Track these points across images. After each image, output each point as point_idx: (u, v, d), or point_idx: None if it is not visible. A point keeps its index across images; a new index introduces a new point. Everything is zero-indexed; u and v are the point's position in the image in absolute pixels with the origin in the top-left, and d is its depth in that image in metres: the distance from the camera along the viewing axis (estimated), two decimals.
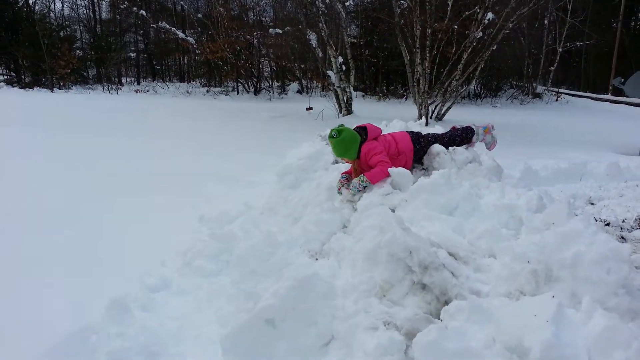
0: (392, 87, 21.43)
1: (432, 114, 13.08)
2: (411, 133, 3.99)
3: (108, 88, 22.34)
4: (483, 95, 21.79)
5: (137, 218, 5.19)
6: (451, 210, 3.23)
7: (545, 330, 1.77)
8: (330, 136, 3.72)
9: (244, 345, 2.41)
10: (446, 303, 2.29)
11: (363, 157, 3.73)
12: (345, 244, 3.14)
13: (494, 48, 12.49)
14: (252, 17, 24.52)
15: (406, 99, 19.33)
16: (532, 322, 1.85)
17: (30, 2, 25.95)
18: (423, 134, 4.05)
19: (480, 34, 12.18)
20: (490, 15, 11.93)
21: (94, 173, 6.90)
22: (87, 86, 23.44)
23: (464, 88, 15.36)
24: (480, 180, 3.65)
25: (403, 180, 3.57)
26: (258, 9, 24.10)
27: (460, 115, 14.54)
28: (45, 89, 20.35)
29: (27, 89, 20.57)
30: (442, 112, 13.40)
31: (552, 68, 22.11)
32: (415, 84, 12.95)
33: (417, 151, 3.93)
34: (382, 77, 21.41)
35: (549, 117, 16.20)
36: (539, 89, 22.31)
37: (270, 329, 2.41)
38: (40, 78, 23.14)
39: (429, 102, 12.82)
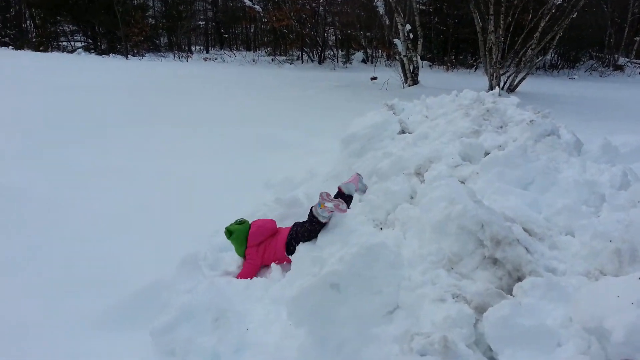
0: (461, 57, 20.57)
1: (504, 85, 12.49)
2: (290, 236, 3.56)
3: (179, 56, 22.94)
4: (560, 67, 20.51)
5: (205, 181, 5.35)
6: (526, 184, 3.08)
7: (630, 313, 1.66)
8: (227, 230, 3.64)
9: (308, 308, 2.44)
10: (519, 279, 2.20)
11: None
12: (412, 215, 3.07)
13: (574, 16, 11.65)
14: None
15: (476, 69, 18.54)
16: (615, 303, 1.73)
17: None
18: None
19: (560, 0, 11.39)
20: None
21: (166, 137, 7.15)
22: (159, 54, 24.17)
23: (540, 58, 14.45)
24: (559, 154, 3.45)
25: (474, 151, 3.44)
26: None
27: (535, 87, 13.80)
28: (120, 56, 21.18)
29: (103, 55, 21.48)
30: (515, 83, 12.76)
31: (638, 38, 20.40)
32: (487, 53, 12.36)
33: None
34: (451, 46, 20.59)
35: (632, 91, 15.04)
36: (621, 60, 20.70)
37: (335, 294, 2.42)
38: (115, 45, 24.09)
39: (501, 73, 12.22)
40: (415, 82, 13.12)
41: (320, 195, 3.44)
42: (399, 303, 2.31)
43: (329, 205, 3.33)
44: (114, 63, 16.57)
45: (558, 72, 19.97)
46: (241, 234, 3.59)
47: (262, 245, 3.55)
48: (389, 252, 2.47)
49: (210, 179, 5.44)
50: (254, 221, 3.70)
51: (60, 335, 2.82)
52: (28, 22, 27.80)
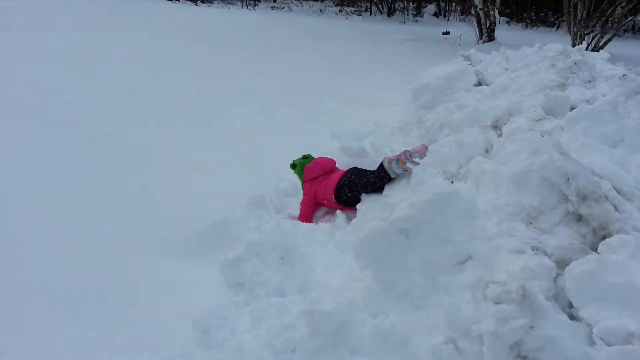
0: (542, 14, 19.19)
1: (588, 45, 11.62)
2: (342, 180, 3.46)
3: (246, 4, 22.85)
4: None
5: (273, 127, 5.40)
6: (615, 142, 2.87)
7: None
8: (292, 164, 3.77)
9: (376, 251, 2.43)
10: (604, 238, 2.07)
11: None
12: (487, 168, 2.94)
13: None
14: None
15: (558, 27, 17.28)
16: None
17: None
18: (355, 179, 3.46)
19: None
20: None
21: (230, 84, 7.23)
22: (227, 1, 24.17)
23: (629, 19, 13.26)
24: None
25: (559, 104, 3.22)
26: None
27: (622, 49, 12.76)
28: (189, 2, 21.36)
29: (173, 0, 21.74)
30: (601, 44, 11.84)
31: None
32: (571, 10, 11.48)
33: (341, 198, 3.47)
34: (531, 2, 19.24)
35: None
36: None
37: (404, 240, 2.39)
38: None
39: (585, 32, 11.35)
40: (491, 38, 12.43)
41: (404, 152, 3.41)
42: (471, 253, 2.24)
43: (409, 166, 3.31)
44: (183, 9, 16.76)
45: None
46: (302, 168, 3.71)
47: (315, 182, 3.60)
48: (462, 200, 2.39)
49: (278, 126, 5.48)
50: (317, 157, 3.79)
51: (145, 260, 2.98)
52: None
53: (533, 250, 2.00)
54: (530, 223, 2.26)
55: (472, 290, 1.96)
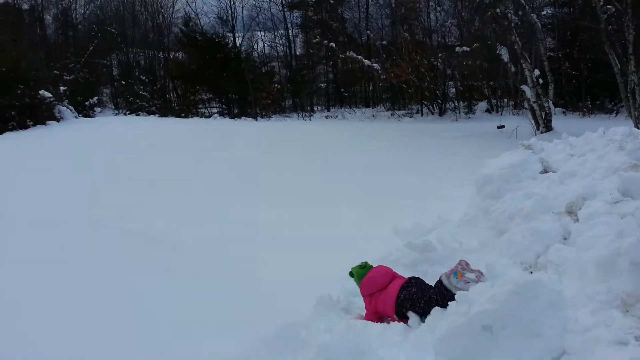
0: (597, 102, 19.08)
1: None
2: (402, 294, 3.20)
3: (302, 115, 24.24)
4: None
5: (336, 226, 5.43)
6: None
7: None
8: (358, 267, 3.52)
9: (459, 350, 2.27)
10: None
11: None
12: (568, 255, 2.79)
13: None
14: (436, 39, 24.39)
15: (617, 113, 17.03)
16: None
17: (237, 43, 29.73)
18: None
19: None
20: None
21: (301, 184, 7.49)
22: (284, 115, 25.77)
23: None
24: None
25: (636, 185, 3.07)
26: (443, 30, 23.88)
27: None
28: (250, 118, 22.92)
29: (236, 118, 23.41)
30: None
31: None
32: (629, 95, 11.36)
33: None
34: (585, 91, 19.24)
35: None
36: None
37: (488, 336, 2.23)
38: (246, 109, 26.20)
39: None
40: (548, 128, 12.37)
41: (459, 262, 3.10)
42: (565, 347, 2.05)
43: (470, 276, 2.94)
44: (247, 125, 17.92)
45: None
46: (360, 278, 3.47)
47: (374, 297, 3.35)
48: (548, 290, 2.24)
49: (340, 224, 5.51)
50: (374, 267, 3.51)
51: None
52: (171, 93, 31.47)
53: (637, 341, 1.81)
54: (627, 311, 2.07)
55: None
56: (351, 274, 3.53)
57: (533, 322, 2.19)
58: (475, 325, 2.24)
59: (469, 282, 2.88)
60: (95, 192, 7.11)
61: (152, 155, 10.12)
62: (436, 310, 2.90)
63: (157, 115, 24.45)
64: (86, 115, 20.42)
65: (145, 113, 25.39)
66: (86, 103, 22.65)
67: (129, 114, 25.44)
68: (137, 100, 26.72)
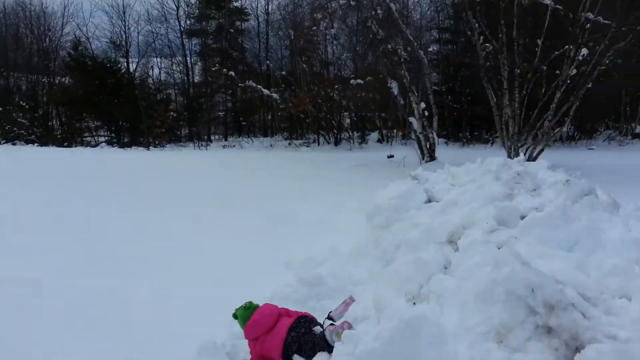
0: (476, 133, 20.76)
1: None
2: (290, 337, 3.08)
3: (198, 145, 23.59)
4: (577, 138, 20.47)
5: (224, 262, 5.17)
6: (570, 246, 2.84)
7: None
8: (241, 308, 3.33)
9: None
10: (577, 350, 1.93)
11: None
12: (448, 286, 2.82)
13: (589, 86, 11.75)
14: (333, 71, 25.21)
15: (492, 143, 18.59)
16: None
17: (131, 69, 28.51)
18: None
19: (575, 71, 11.53)
20: (584, 51, 11.29)
21: (184, 219, 7.08)
22: (179, 144, 24.91)
23: (557, 130, 14.43)
24: (600, 214, 3.22)
25: (510, 214, 3.23)
26: (339, 63, 24.76)
27: (554, 158, 13.64)
28: (142, 148, 21.84)
29: (125, 147, 22.18)
30: (534, 155, 12.66)
31: None
32: (503, 127, 12.40)
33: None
34: (465, 123, 20.88)
35: None
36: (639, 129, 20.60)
37: None
38: (137, 138, 24.96)
39: (519, 145, 12.16)
40: (432, 158, 13.11)
41: (342, 324, 3.02)
42: None
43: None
44: (137, 154, 17.00)
45: (576, 143, 19.90)
46: (244, 320, 3.23)
47: (258, 341, 3.13)
48: (431, 325, 2.21)
49: (230, 260, 5.25)
50: (259, 307, 3.29)
51: None
52: (54, 120, 29.20)
53: None
54: (501, 342, 2.10)
55: None
56: (235, 316, 3.28)
57: (416, 358, 2.14)
58: None
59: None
60: None
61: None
62: (321, 355, 2.78)
63: (36, 144, 22.50)
64: None
65: (22, 142, 23.27)
66: None
67: (4, 142, 23.15)
68: (15, 128, 24.42)
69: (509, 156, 12.00)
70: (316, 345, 2.90)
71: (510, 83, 11.94)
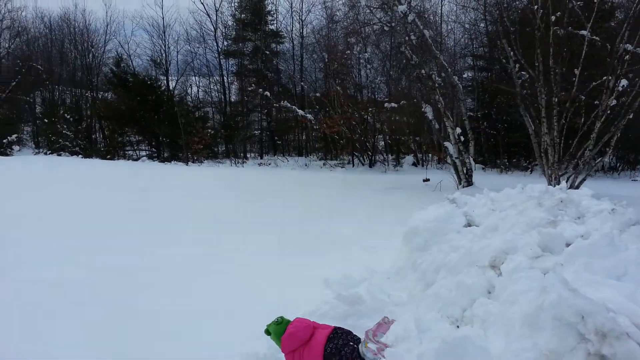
0: (514, 160, 20.44)
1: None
2: (328, 347, 3.13)
3: (235, 162, 24.01)
4: (620, 169, 19.92)
5: (264, 278, 5.25)
6: (619, 275, 2.78)
7: None
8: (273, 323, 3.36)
9: None
10: None
11: None
12: (492, 310, 2.81)
13: (630, 117, 11.48)
14: (366, 94, 25.38)
15: (531, 171, 18.26)
16: None
17: (171, 86, 29.37)
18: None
19: (614, 102, 11.31)
20: (624, 82, 11.08)
21: (223, 236, 7.22)
22: (216, 160, 25.40)
23: (598, 160, 14.09)
24: None
25: (554, 241, 3.20)
26: (372, 86, 24.93)
27: (597, 188, 13.31)
28: (181, 163, 22.37)
29: (165, 162, 22.75)
30: (576, 184, 12.39)
31: None
32: (542, 155, 12.20)
33: None
34: (502, 150, 20.60)
35: None
36: None
37: None
38: (177, 153, 25.60)
39: (559, 174, 11.94)
40: (469, 183, 12.97)
41: (366, 333, 3.12)
42: None
43: (372, 347, 2.95)
44: (175, 169, 17.42)
45: (619, 174, 19.36)
46: (278, 336, 3.27)
47: (297, 352, 3.17)
48: (475, 347, 2.21)
49: (270, 277, 5.33)
50: (292, 322, 3.32)
51: None
52: (97, 133, 30.26)
53: None
54: None
55: None
56: (267, 332, 3.31)
57: None
58: None
59: (376, 354, 2.87)
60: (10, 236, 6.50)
61: (71, 197, 9.52)
62: None
63: (80, 155, 23.32)
64: (3, 154, 19.09)
65: (67, 153, 24.15)
66: (4, 140, 21.21)
67: (49, 153, 24.08)
68: (60, 140, 25.40)
69: (550, 184, 11.79)
70: (355, 350, 2.94)
71: (548, 111, 11.79)
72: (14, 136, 22.58)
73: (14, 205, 8.51)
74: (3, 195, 9.36)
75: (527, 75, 12.65)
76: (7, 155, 19.34)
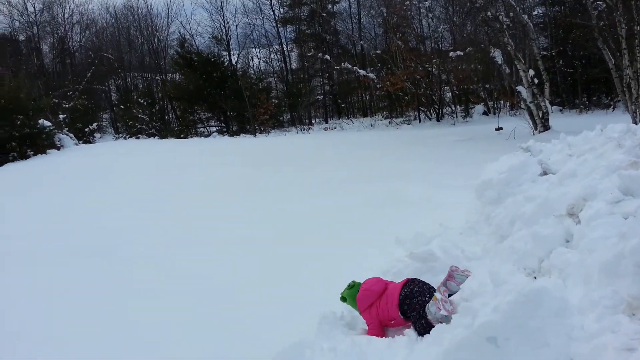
0: (594, 98, 19.08)
1: None
2: (403, 291, 3.24)
3: (300, 129, 24.30)
4: None
5: (336, 239, 5.38)
6: None
7: None
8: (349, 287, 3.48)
9: None
10: None
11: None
12: (571, 259, 2.73)
13: None
14: (429, 45, 24.52)
15: (614, 108, 17.03)
16: None
17: (233, 61, 29.94)
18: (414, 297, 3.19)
19: None
20: None
21: (298, 200, 7.45)
22: (282, 129, 25.84)
23: None
24: None
25: (636, 184, 3.02)
26: (435, 36, 24.01)
27: None
28: (249, 135, 22.97)
29: (235, 136, 23.46)
30: None
31: None
32: (625, 89, 11.34)
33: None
34: (581, 88, 19.26)
35: None
36: None
37: (493, 349, 2.17)
38: (244, 126, 26.31)
39: None
40: (546, 127, 12.34)
41: (437, 287, 3.18)
42: (572, 356, 1.99)
43: (438, 298, 3.03)
44: (246, 141, 17.89)
45: None
46: (353, 298, 3.43)
47: (373, 308, 3.33)
48: (552, 298, 2.18)
49: (342, 237, 5.45)
50: (363, 282, 3.48)
51: None
52: (170, 114, 31.63)
53: None
54: (634, 314, 2.01)
55: None
56: (343, 299, 3.48)
57: (538, 331, 2.13)
58: (479, 338, 2.18)
59: (439, 308, 2.95)
60: (99, 219, 7.04)
61: (155, 178, 10.09)
62: (441, 325, 2.84)
63: (156, 137, 24.53)
64: (86, 142, 20.50)
65: (145, 136, 25.48)
66: (86, 129, 22.76)
67: (128, 137, 25.53)
68: (137, 124, 26.82)
69: (634, 121, 10.98)
70: (424, 305, 3.04)
71: (629, 42, 10.86)
72: (94, 124, 24.11)
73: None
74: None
75: (604, 5, 11.68)
76: (89, 142, 20.72)
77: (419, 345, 3.03)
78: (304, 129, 24.15)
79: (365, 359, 2.89)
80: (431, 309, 2.98)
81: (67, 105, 25.05)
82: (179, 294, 4.28)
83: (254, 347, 3.31)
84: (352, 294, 3.42)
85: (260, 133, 24.07)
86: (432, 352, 2.69)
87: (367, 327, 3.41)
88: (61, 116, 20.63)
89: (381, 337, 3.24)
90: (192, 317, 3.83)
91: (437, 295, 3.05)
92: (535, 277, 2.96)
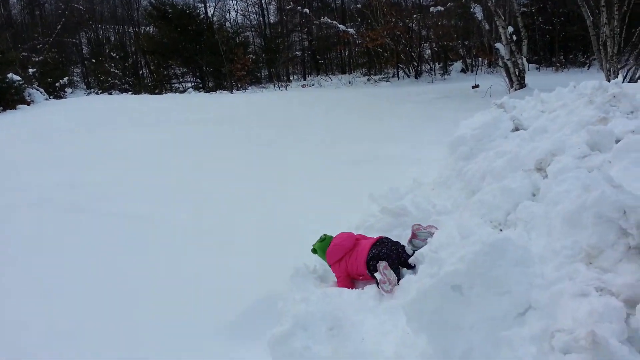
0: (570, 56, 19.15)
1: (623, 79, 11.36)
2: (372, 252, 3.28)
3: (278, 86, 23.92)
4: None
5: (313, 195, 5.41)
6: None
7: None
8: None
9: (428, 312, 2.28)
10: None
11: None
12: (536, 211, 2.80)
13: None
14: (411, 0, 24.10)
15: (589, 67, 17.14)
16: None
17: (210, 14, 29.03)
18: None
19: None
20: None
21: (272, 159, 7.41)
22: (260, 85, 25.40)
23: None
24: None
25: (603, 138, 3.08)
26: None
27: None
28: (226, 91, 22.53)
29: (211, 92, 22.99)
30: (637, 77, 11.57)
31: None
32: (601, 47, 11.37)
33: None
34: (558, 46, 19.28)
35: None
36: None
37: (457, 296, 2.24)
38: (221, 82, 25.76)
39: (619, 67, 11.15)
40: (522, 85, 12.39)
41: (412, 227, 3.44)
42: (531, 303, 2.08)
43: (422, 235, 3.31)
44: (222, 98, 17.57)
45: None
46: (323, 251, 3.51)
47: (342, 262, 3.42)
48: (515, 247, 2.25)
49: (317, 193, 5.48)
50: (335, 236, 3.57)
51: (186, 342, 2.93)
52: (144, 69, 30.74)
53: (598, 292, 1.83)
54: (591, 263, 2.09)
55: (537, 342, 1.79)
56: (314, 251, 3.55)
57: (500, 280, 2.20)
58: (444, 286, 2.25)
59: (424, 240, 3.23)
60: (73, 174, 6.90)
61: (129, 134, 9.90)
62: (409, 276, 2.92)
63: (129, 92, 23.92)
64: (57, 97, 19.88)
65: (117, 91, 24.82)
66: (56, 84, 22.00)
67: (100, 93, 24.84)
68: (109, 79, 26.04)
69: (608, 78, 11.09)
70: (400, 255, 3.15)
71: (607, 0, 10.82)
72: (65, 79, 23.29)
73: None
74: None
75: None
76: (60, 98, 20.09)
77: (387, 297, 3.12)
78: (281, 86, 23.79)
79: (335, 309, 2.96)
80: (416, 242, 3.28)
81: (36, 59, 24.09)
82: (161, 247, 4.32)
83: (229, 299, 3.37)
84: (323, 246, 3.48)
85: (237, 89, 23.64)
86: (400, 301, 2.78)
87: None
88: (31, 70, 19.85)
89: (350, 289, 3.31)
90: (172, 271, 3.88)
91: (377, 276, 3.12)
92: (501, 229, 3.04)
